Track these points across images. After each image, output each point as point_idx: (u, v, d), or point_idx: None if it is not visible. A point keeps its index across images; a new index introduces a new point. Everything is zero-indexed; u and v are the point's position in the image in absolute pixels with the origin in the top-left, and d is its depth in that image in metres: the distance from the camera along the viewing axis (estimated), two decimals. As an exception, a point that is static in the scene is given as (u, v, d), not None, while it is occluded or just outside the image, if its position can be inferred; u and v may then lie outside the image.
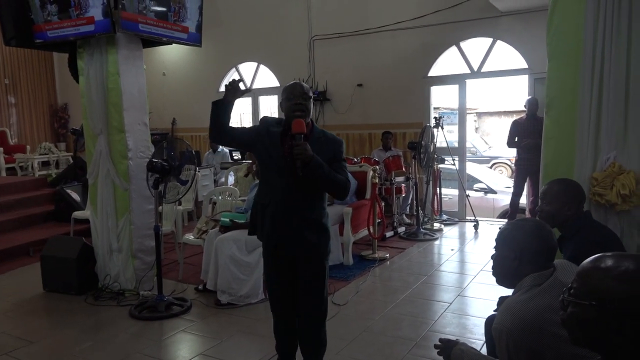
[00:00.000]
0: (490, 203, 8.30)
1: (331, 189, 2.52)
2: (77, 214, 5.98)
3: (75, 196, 6.91)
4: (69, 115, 11.75)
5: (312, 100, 2.54)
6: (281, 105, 2.58)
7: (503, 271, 1.70)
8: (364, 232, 5.54)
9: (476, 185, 8.53)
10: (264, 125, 2.57)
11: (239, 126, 2.54)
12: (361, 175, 5.65)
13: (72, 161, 8.87)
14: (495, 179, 9.33)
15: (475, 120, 19.87)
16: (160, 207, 5.16)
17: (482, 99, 17.23)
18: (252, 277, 4.19)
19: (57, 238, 4.82)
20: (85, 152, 4.72)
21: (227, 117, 2.56)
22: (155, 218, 4.20)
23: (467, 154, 8.15)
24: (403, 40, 7.52)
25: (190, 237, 4.88)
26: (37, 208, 6.97)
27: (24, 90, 11.16)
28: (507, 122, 11.58)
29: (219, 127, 2.55)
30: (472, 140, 17.65)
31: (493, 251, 1.77)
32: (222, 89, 8.56)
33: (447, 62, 7.48)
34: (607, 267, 1.05)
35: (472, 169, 8.86)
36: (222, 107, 2.53)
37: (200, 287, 4.49)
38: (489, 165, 14.02)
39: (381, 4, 7.64)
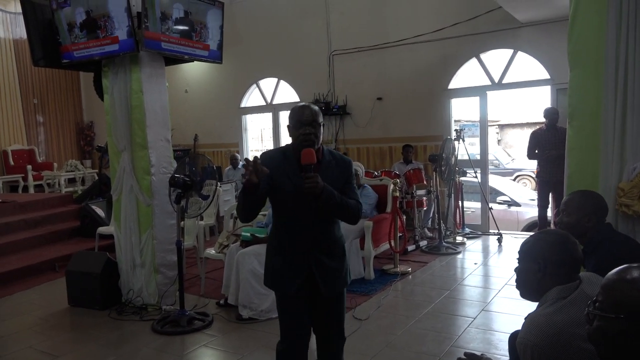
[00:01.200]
0: (514, 216, 8.17)
1: (343, 216, 2.38)
2: (102, 229, 6.07)
3: (100, 212, 7.03)
4: (94, 132, 12.01)
5: (322, 125, 2.34)
6: (288, 129, 2.38)
7: (527, 284, 1.67)
8: (385, 246, 5.50)
9: (499, 198, 8.41)
10: (270, 162, 2.31)
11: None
12: (381, 188, 5.62)
13: (97, 178, 9.04)
14: (519, 192, 9.18)
15: (497, 132, 19.67)
16: (182, 222, 5.23)
17: (504, 110, 17.07)
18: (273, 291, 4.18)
19: (81, 253, 4.90)
20: (110, 169, 4.81)
21: (260, 202, 2.30)
22: (177, 233, 4.24)
23: (490, 167, 8.06)
24: (423, 53, 7.53)
25: (211, 251, 4.91)
26: (63, 224, 7.10)
27: (51, 110, 11.47)
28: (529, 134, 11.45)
29: (252, 213, 2.34)
30: (495, 152, 17.45)
31: (517, 264, 1.74)
32: (244, 104, 8.63)
33: (468, 74, 7.45)
34: (632, 278, 1.01)
35: (495, 181, 8.74)
36: (251, 194, 2.22)
37: (222, 301, 4.50)
38: (513, 177, 13.82)
39: (400, 18, 7.67)
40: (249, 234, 4.40)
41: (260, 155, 2.36)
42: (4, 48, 10.47)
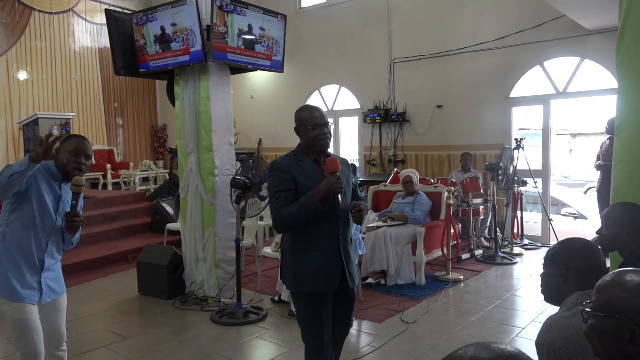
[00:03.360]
0: (580, 229, 7.89)
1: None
2: (170, 225, 6.53)
3: (170, 209, 7.53)
4: (167, 135, 12.77)
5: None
6: (298, 131, 2.51)
7: (550, 289, 1.75)
8: (437, 253, 5.54)
9: (565, 210, 8.14)
10: (290, 170, 2.42)
11: (284, 197, 2.40)
12: (436, 196, 5.67)
13: (168, 178, 9.63)
14: (587, 204, 8.83)
15: (569, 142, 18.83)
16: (243, 221, 5.55)
17: (576, 119, 16.34)
18: (324, 290, 4.37)
19: (151, 247, 5.32)
20: (179, 170, 5.21)
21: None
22: (236, 231, 4.53)
23: (560, 178, 7.83)
24: (484, 61, 7.47)
25: (268, 250, 5.18)
26: (137, 220, 7.67)
27: (130, 113, 12.33)
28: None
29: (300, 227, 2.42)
30: (565, 163, 16.70)
31: (542, 270, 1.82)
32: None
33: (531, 83, 7.30)
34: (623, 281, 1.11)
35: (561, 193, 8.48)
36: (321, 208, 2.34)
37: (277, 298, 4.75)
38: (584, 189, 13.22)
39: (462, 26, 7.66)
40: (303, 235, 4.61)
41: (273, 165, 2.49)
42: (90, 56, 11.41)
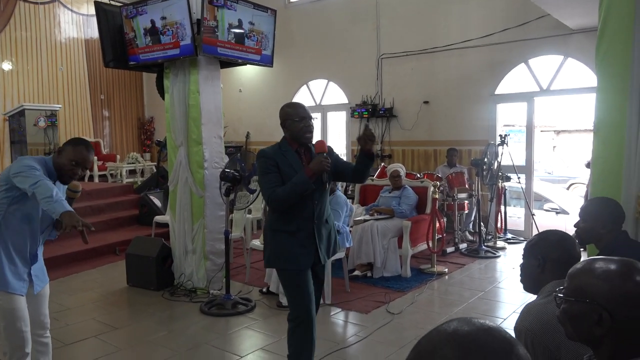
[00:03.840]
0: (562, 224, 8.07)
1: (367, 173, 2.84)
2: (158, 218, 6.55)
3: (157, 202, 7.55)
4: (154, 127, 12.72)
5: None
6: (284, 125, 2.77)
7: (528, 278, 1.85)
8: (423, 246, 5.66)
9: (547, 205, 8.31)
10: (274, 156, 2.70)
11: (274, 179, 2.68)
12: (422, 190, 5.78)
13: (155, 170, 9.63)
14: (569, 200, 9.03)
15: (553, 139, 19.12)
16: (232, 214, 5.60)
17: (560, 116, 16.59)
18: (311, 282, 4.46)
19: (139, 238, 5.35)
20: (167, 162, 5.23)
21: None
22: (225, 223, 4.59)
23: (543, 174, 7.99)
24: (470, 58, 7.59)
25: (257, 243, 5.24)
26: (124, 212, 7.67)
27: (116, 105, 12.26)
28: (587, 141, 11.17)
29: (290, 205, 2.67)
30: (548, 159, 16.96)
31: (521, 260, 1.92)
32: (294, 99, 8.89)
33: (515, 80, 7.44)
34: (592, 268, 1.20)
35: (544, 188, 8.64)
36: (309, 187, 2.62)
37: (264, 289, 4.82)
38: (566, 185, 13.46)
39: (449, 23, 7.76)
40: (291, 228, 4.69)
41: (260, 153, 2.76)
42: (76, 47, 11.30)
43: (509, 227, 7.31)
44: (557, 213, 8.18)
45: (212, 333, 3.95)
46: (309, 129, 2.74)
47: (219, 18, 4.42)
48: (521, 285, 1.92)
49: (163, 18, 4.49)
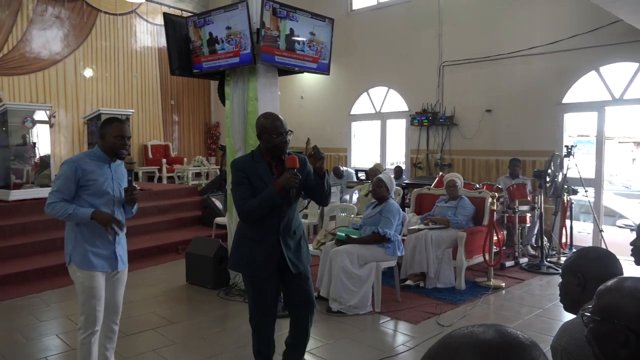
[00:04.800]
0: (636, 241, 7.57)
1: (324, 193, 2.94)
2: (218, 219, 6.80)
3: (219, 204, 7.83)
4: (219, 132, 13.20)
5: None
6: (260, 136, 2.86)
7: (568, 297, 1.77)
8: (479, 259, 5.51)
9: (620, 221, 7.85)
10: (245, 168, 2.83)
11: (246, 192, 2.82)
12: (479, 201, 5.64)
13: (218, 173, 9.99)
14: (646, 216, 8.46)
15: (632, 151, 17.96)
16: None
17: (640, 127, 15.52)
18: (361, 289, 4.47)
19: (199, 238, 5.58)
20: (227, 166, 5.43)
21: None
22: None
23: (622, 188, 7.57)
24: (536, 65, 7.33)
25: (310, 247, 5.31)
26: (188, 212, 8.02)
27: (185, 110, 12.84)
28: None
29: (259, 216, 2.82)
30: (627, 172, 15.94)
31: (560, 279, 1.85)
32: (353, 112, 8.98)
33: (585, 88, 7.10)
34: (621, 286, 1.15)
35: (617, 203, 8.17)
36: (279, 200, 2.75)
37: (316, 294, 4.87)
38: (647, 200, 12.59)
39: (514, 30, 7.54)
40: (344, 234, 4.72)
41: (233, 164, 2.91)
42: (150, 55, 11.98)
43: (575, 242, 6.95)
44: (631, 230, 7.70)
45: (261, 333, 4.04)
46: (285, 144, 2.83)
47: (281, 28, 4.57)
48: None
49: (228, 27, 4.66)
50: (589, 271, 1.70)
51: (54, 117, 9.99)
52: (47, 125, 7.17)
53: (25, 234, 6.04)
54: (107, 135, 2.80)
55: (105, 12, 10.98)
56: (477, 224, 5.59)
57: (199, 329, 4.14)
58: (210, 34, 4.78)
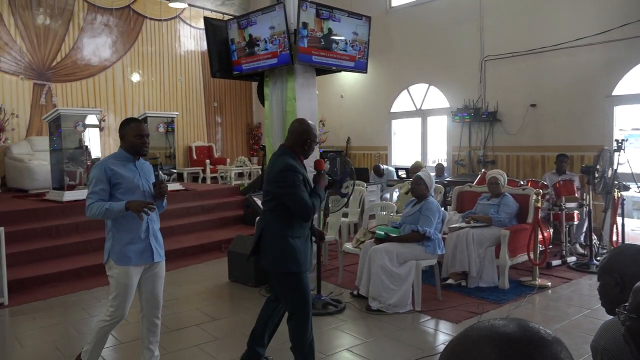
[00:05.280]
0: (695, 240, 7.18)
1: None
2: (260, 218, 6.89)
3: (260, 203, 7.93)
4: (261, 133, 13.38)
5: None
6: (302, 141, 3.09)
7: (607, 299, 1.70)
8: (523, 257, 5.37)
9: (677, 218, 7.46)
10: (301, 170, 3.04)
11: (306, 192, 3.02)
12: (523, 198, 5.49)
13: (260, 173, 10.13)
14: None
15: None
16: (328, 217, 5.75)
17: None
18: (401, 288, 4.45)
19: (241, 237, 5.69)
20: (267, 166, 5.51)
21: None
22: (318, 225, 4.73)
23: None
24: (583, 57, 7.06)
25: (349, 246, 5.34)
26: (231, 212, 8.19)
27: (227, 112, 13.10)
28: None
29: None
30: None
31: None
32: (394, 109, 8.97)
33: (638, 79, 6.77)
34: None
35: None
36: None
37: (355, 292, 4.89)
38: None
39: (559, 21, 7.29)
40: (383, 233, 4.71)
41: (291, 167, 3.02)
42: (193, 59, 12.29)
43: (627, 240, 6.64)
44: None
45: (301, 330, 4.09)
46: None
47: (325, 29, 4.62)
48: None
49: (272, 27, 4.71)
50: (626, 269, 1.63)
51: (104, 120, 10.42)
52: (97, 129, 7.49)
53: (79, 233, 6.33)
54: (127, 135, 2.98)
55: (151, 18, 11.35)
56: (521, 222, 5.45)
57: (240, 326, 4.23)
58: (250, 35, 4.86)
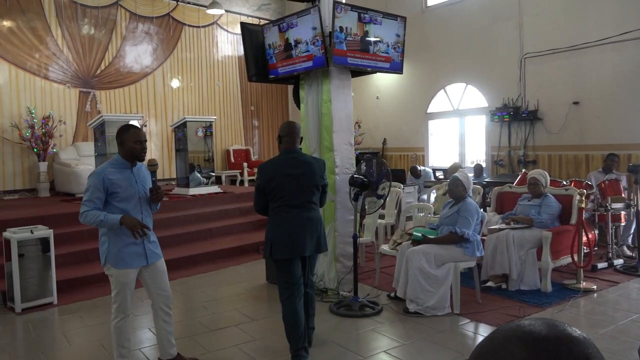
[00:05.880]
0: None
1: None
2: (296, 220, 6.94)
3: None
4: (297, 135, 13.45)
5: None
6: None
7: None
8: (566, 260, 5.21)
9: None
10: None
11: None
12: (566, 198, 5.33)
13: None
14: None
15: None
16: (364, 219, 5.74)
17: None
18: (439, 290, 4.40)
19: (278, 239, 5.73)
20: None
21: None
22: (354, 227, 4.73)
23: None
24: (629, 51, 6.79)
25: (386, 248, 5.31)
26: (268, 214, 8.25)
27: (264, 115, 13.26)
28: None
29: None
30: None
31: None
32: (430, 110, 8.88)
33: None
34: None
35: None
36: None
37: (392, 294, 4.86)
38: None
39: (603, 15, 7.04)
40: (420, 234, 4.67)
41: (259, 167, 3.54)
42: (231, 64, 12.50)
43: (679, 243, 6.35)
44: None
45: (338, 332, 4.11)
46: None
47: (367, 33, 4.64)
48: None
49: (314, 28, 4.71)
50: None
51: (145, 126, 10.73)
52: (139, 134, 7.71)
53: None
54: (126, 141, 3.11)
55: (190, 25, 11.61)
56: (564, 223, 5.29)
57: (278, 326, 4.25)
58: (287, 39, 4.91)
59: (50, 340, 4.15)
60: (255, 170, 11.87)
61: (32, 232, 4.86)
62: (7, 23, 9.07)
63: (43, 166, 9.17)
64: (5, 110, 9.05)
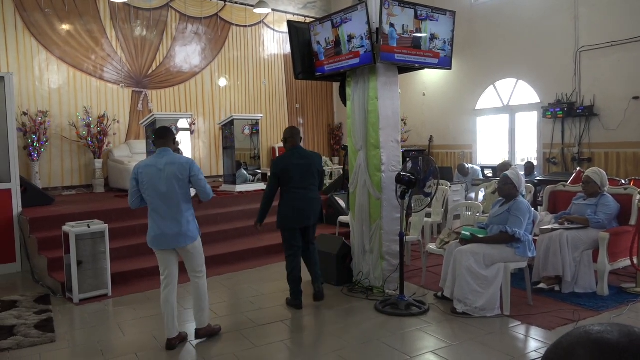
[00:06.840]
0: None
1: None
2: (342, 218, 6.96)
3: (342, 203, 8.00)
4: (342, 133, 13.47)
5: None
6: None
7: None
8: (625, 262, 4.96)
9: None
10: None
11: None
12: (625, 198, 5.07)
13: (341, 173, 10.19)
14: None
15: None
16: (411, 217, 5.67)
17: None
18: (488, 290, 4.29)
19: (324, 236, 5.76)
20: (349, 165, 5.54)
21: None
22: (400, 225, 4.68)
23: None
24: (697, 43, 6.40)
25: (433, 246, 5.22)
26: (312, 211, 8.29)
27: (309, 113, 13.31)
28: None
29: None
30: None
31: None
32: (479, 106, 8.68)
33: None
34: None
35: None
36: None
37: (440, 294, 4.78)
38: None
39: (668, 4, 6.67)
40: (468, 233, 4.56)
41: (274, 160, 4.57)
42: (276, 62, 12.62)
43: None
44: None
45: (384, 331, 4.08)
46: None
47: (423, 30, 4.60)
48: None
49: (367, 22, 4.65)
50: None
51: (194, 124, 10.99)
52: (189, 132, 7.92)
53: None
54: (173, 143, 4.02)
55: (237, 25, 11.80)
56: (623, 224, 5.04)
57: (323, 323, 4.29)
58: (338, 36, 4.89)
59: (105, 330, 4.33)
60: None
61: (88, 227, 5.07)
62: (66, 27, 9.49)
63: (98, 163, 9.56)
64: (64, 111, 9.48)
